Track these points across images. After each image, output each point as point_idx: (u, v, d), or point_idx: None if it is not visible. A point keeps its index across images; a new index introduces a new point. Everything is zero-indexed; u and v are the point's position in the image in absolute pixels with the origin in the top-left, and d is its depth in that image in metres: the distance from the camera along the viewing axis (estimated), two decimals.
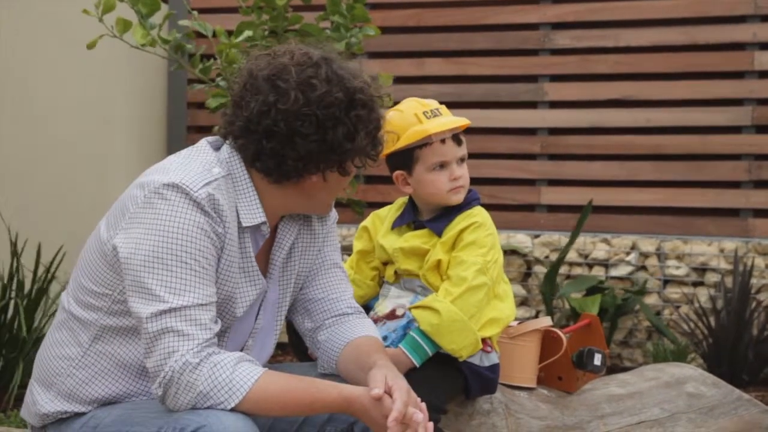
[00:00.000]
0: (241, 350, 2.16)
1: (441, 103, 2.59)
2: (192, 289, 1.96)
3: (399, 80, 4.66)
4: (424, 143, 2.48)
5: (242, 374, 1.93)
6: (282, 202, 2.12)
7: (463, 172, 2.51)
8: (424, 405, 2.00)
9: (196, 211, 1.98)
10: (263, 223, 2.10)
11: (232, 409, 1.91)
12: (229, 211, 2.04)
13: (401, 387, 1.97)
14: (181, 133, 4.99)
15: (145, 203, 2.00)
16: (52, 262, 3.91)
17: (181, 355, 1.92)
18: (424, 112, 2.50)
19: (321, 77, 2.03)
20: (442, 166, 2.49)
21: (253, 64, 2.08)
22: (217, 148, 2.12)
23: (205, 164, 2.06)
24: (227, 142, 2.11)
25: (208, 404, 1.91)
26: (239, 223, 2.07)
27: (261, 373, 1.94)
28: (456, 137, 2.50)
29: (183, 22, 3.71)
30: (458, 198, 2.51)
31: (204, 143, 2.14)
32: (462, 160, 2.51)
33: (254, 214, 2.08)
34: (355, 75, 2.07)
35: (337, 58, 2.09)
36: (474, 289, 2.42)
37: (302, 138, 2.01)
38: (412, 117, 2.49)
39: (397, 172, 2.53)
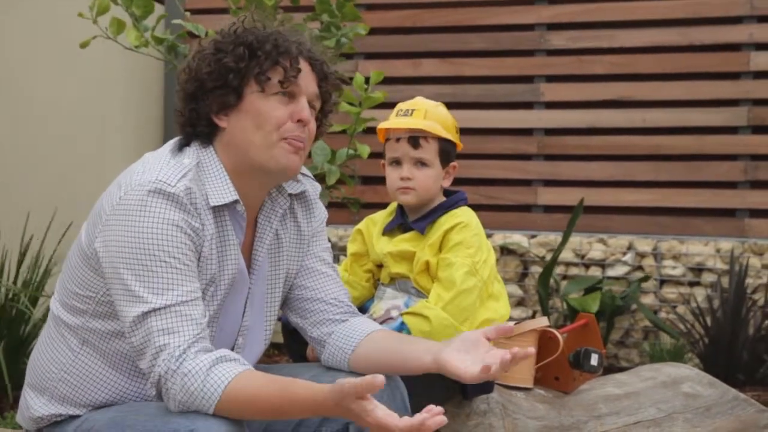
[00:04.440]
0: (232, 349, 2.15)
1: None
2: (174, 287, 1.96)
3: (395, 81, 4.66)
4: (387, 138, 2.58)
5: (213, 381, 1.89)
6: (243, 162, 2.08)
7: (415, 175, 2.52)
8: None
9: (171, 209, 1.97)
10: (236, 201, 2.07)
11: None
12: (201, 198, 2.03)
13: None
14: (177, 133, 4.98)
15: (120, 204, 1.99)
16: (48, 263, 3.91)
17: (168, 355, 1.91)
18: (398, 110, 2.57)
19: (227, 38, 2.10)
20: (397, 162, 2.55)
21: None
22: (187, 143, 2.13)
23: (177, 157, 2.07)
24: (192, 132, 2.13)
25: (192, 410, 1.91)
26: (211, 206, 2.04)
27: (232, 377, 1.89)
28: (414, 140, 2.51)
29: (177, 21, 3.71)
30: (404, 199, 2.54)
31: (175, 140, 2.15)
32: (422, 163, 2.52)
33: (224, 193, 2.06)
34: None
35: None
36: (464, 292, 2.42)
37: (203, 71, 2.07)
38: (392, 113, 2.59)
39: (382, 161, 2.62)
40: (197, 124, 2.10)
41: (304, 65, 2.10)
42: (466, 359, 1.97)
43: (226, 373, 1.90)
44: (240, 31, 2.09)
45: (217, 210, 2.07)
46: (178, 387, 1.90)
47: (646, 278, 4.45)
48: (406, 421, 1.77)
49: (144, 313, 1.94)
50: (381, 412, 1.79)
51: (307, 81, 2.11)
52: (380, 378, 1.75)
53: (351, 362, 2.19)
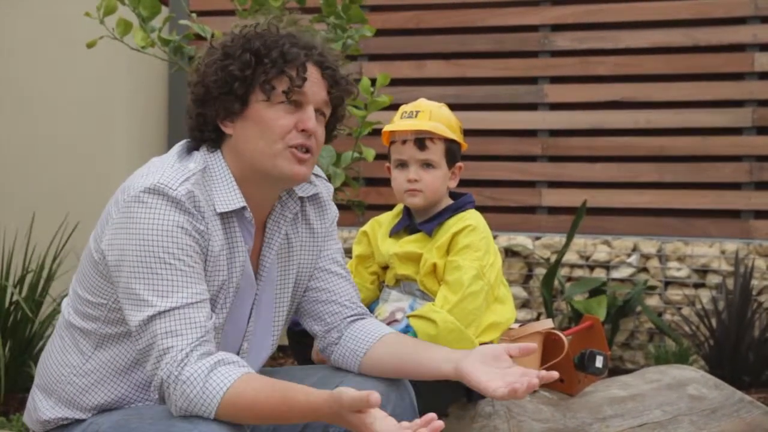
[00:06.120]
0: (237, 354, 2.14)
1: None
2: (179, 289, 1.95)
3: (399, 82, 4.66)
4: (392, 140, 2.56)
5: (212, 388, 1.89)
6: (250, 169, 2.06)
7: (422, 177, 2.51)
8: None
9: (175, 212, 1.97)
10: (243, 208, 2.06)
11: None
12: (207, 204, 2.03)
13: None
14: (181, 134, 4.97)
15: (126, 208, 1.99)
16: (53, 264, 3.91)
17: (171, 358, 1.91)
18: (403, 113, 2.57)
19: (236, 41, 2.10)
20: (403, 165, 2.54)
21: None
22: (196, 147, 2.12)
23: (184, 161, 2.06)
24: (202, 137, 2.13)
25: (194, 414, 1.91)
26: (217, 211, 2.04)
27: (230, 383, 1.89)
28: (420, 141, 2.51)
29: (183, 22, 3.71)
30: (412, 201, 2.54)
31: (183, 143, 2.15)
32: (428, 165, 2.52)
33: (231, 200, 2.05)
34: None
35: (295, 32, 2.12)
36: (471, 295, 2.42)
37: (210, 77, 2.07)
38: (396, 115, 2.59)
39: (387, 164, 2.62)
40: (204, 129, 2.10)
41: (313, 71, 2.07)
42: (489, 372, 1.97)
43: (224, 378, 1.90)
44: (250, 35, 2.07)
45: (224, 216, 2.06)
46: (179, 394, 1.90)
47: (652, 287, 4.44)
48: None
49: (149, 317, 1.94)
50: (380, 425, 1.81)
51: (316, 88, 2.08)
52: (376, 396, 1.78)
53: (362, 365, 2.18)
